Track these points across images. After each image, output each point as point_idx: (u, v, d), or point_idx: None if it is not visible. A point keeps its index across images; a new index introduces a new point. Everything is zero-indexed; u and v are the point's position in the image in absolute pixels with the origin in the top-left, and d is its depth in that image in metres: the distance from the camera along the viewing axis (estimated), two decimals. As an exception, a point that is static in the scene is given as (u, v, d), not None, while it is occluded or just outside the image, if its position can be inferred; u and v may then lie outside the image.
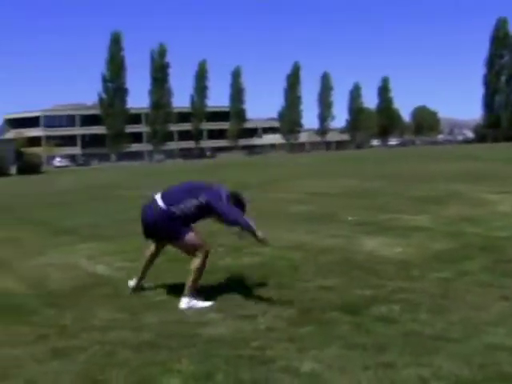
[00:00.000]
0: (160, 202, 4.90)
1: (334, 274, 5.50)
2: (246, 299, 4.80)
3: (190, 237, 4.87)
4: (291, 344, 3.73)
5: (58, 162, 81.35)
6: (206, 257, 4.87)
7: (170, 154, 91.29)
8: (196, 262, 4.84)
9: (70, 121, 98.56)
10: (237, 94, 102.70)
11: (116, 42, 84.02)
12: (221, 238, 7.87)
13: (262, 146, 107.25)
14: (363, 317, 4.19)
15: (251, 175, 25.27)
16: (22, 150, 55.17)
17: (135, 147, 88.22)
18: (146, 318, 4.50)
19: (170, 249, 5.32)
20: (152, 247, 5.32)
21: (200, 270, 4.85)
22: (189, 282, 4.81)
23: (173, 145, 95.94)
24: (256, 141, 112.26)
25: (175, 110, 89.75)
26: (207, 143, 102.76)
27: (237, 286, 5.24)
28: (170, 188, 5.14)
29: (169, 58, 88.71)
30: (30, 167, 50.92)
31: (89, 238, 8.76)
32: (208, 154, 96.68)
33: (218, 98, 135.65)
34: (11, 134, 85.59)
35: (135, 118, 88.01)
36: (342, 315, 4.23)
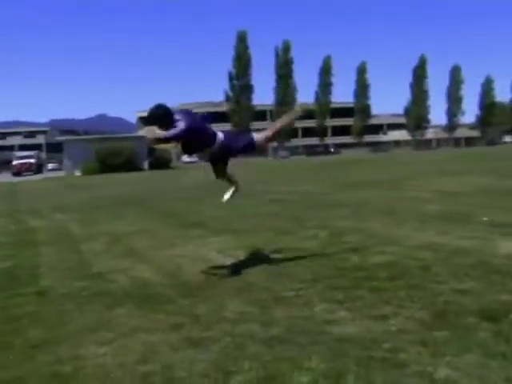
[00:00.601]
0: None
1: (469, 277, 5.21)
2: (376, 299, 4.69)
3: None
4: (424, 348, 3.58)
5: (186, 157, 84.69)
6: None
7: (293, 151, 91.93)
8: None
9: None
10: (361, 89, 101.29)
11: (242, 41, 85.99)
12: (346, 236, 7.80)
13: (387, 143, 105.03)
14: (502, 324, 3.92)
15: (377, 173, 24.80)
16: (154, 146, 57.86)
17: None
18: (275, 312, 4.53)
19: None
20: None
21: None
22: None
23: (296, 141, 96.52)
24: (381, 137, 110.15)
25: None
26: (331, 139, 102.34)
27: (365, 285, 5.14)
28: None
29: (293, 54, 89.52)
30: (161, 163, 53.41)
31: (218, 231, 9.02)
32: (331, 150, 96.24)
33: (340, 94, 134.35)
34: (144, 131, 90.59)
35: (260, 115, 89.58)
36: (480, 321, 4.00)
